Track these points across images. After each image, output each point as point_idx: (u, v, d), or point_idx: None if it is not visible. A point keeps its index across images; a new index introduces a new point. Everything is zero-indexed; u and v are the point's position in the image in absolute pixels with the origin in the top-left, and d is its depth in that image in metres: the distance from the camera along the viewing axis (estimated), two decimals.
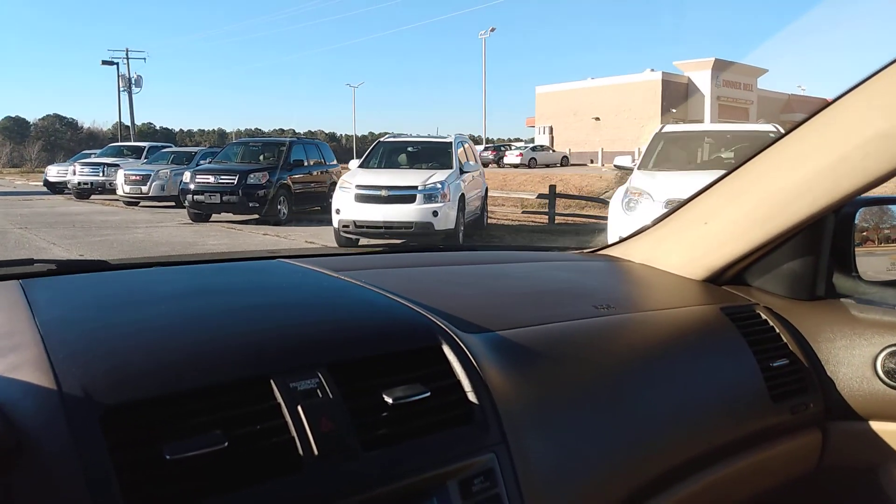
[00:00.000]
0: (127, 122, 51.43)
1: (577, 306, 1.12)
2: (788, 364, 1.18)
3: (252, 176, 13.53)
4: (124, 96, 48.44)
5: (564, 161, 39.57)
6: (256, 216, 13.24)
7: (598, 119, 43.90)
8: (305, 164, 15.29)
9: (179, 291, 0.96)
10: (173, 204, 16.78)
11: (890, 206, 1.41)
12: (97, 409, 0.62)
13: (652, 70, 42.76)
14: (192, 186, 13.27)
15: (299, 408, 0.69)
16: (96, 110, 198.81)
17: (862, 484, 1.23)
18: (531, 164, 36.41)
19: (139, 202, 17.99)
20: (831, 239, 1.27)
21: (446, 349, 0.84)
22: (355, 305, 0.97)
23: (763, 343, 1.18)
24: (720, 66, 41.02)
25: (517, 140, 59.37)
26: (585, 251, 1.62)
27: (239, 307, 0.90)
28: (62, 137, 78.11)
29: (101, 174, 20.23)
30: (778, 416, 1.14)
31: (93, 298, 0.92)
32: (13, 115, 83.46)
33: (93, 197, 20.23)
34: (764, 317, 1.24)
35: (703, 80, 41.87)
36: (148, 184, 17.46)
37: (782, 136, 1.18)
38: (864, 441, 1.21)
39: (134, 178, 17.71)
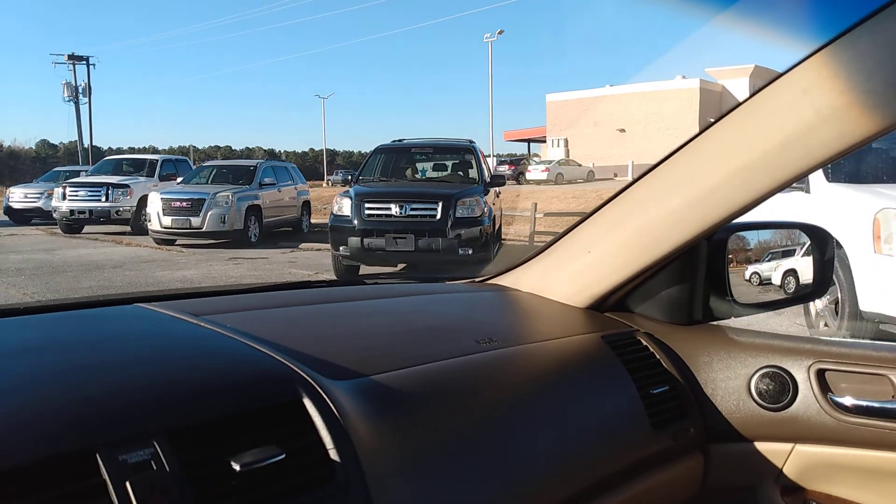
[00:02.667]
0: (75, 136, 45.38)
1: (458, 342, 1.13)
2: (668, 390, 1.23)
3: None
4: (69, 108, 43.02)
5: (590, 176, 38.75)
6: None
7: (622, 130, 42.69)
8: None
9: (4, 350, 0.88)
10: (228, 241, 13.80)
11: (757, 231, 1.48)
12: None
13: (684, 77, 40.24)
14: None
15: (127, 484, 0.64)
16: (14, 126, 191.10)
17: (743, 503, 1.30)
18: (557, 179, 35.91)
19: (176, 240, 13.83)
20: (706, 264, 1.34)
21: (307, 402, 0.81)
22: (206, 357, 0.91)
23: (643, 370, 1.23)
24: (759, 74, 38.51)
25: (497, 155, 57.09)
26: (476, 280, 1.66)
27: (67, 367, 0.82)
28: None
29: (103, 198, 16.33)
30: (659, 444, 1.18)
31: None
32: None
33: (86, 228, 16.86)
34: (644, 343, 1.29)
35: (739, 88, 40.30)
36: (202, 213, 13.40)
37: (657, 164, 1.25)
38: (744, 461, 1.28)
39: (179, 204, 13.56)
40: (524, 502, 0.95)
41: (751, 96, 1.11)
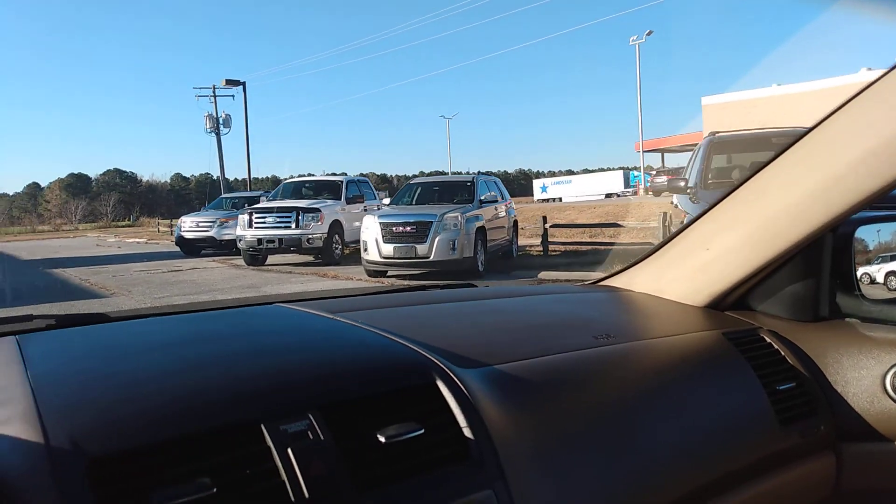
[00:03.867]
0: (216, 170, 46.09)
1: (575, 337, 1.16)
2: (795, 387, 1.22)
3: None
4: (209, 139, 43.77)
5: None
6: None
7: None
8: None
9: (172, 340, 1.01)
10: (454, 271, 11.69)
11: (888, 223, 1.42)
12: (83, 460, 0.65)
13: (869, 69, 36.50)
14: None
15: (289, 451, 0.72)
16: (152, 163, 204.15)
17: None
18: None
19: (388, 271, 11.85)
20: (831, 259, 1.31)
21: (441, 385, 0.88)
22: (348, 346, 1.01)
23: (768, 367, 1.22)
24: None
25: (633, 168, 54.20)
26: (587, 283, 1.69)
27: (230, 353, 0.94)
28: (123, 191, 76.27)
29: (293, 225, 14.66)
30: (787, 441, 1.17)
31: (86, 351, 0.98)
32: (75, 172, 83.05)
33: (269, 259, 15.61)
34: (768, 340, 1.28)
35: None
36: (429, 239, 11.18)
37: (774, 158, 1.23)
38: (881, 462, 1.24)
39: (402, 229, 11.41)
40: (648, 493, 0.96)
41: (876, 80, 1.08)
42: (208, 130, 45.41)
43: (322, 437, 0.74)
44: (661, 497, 0.98)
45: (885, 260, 1.39)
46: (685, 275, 1.42)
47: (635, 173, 63.53)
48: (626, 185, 56.93)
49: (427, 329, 1.13)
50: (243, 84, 37.07)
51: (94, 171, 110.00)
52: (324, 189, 17.13)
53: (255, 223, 14.79)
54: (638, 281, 1.53)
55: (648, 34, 41.16)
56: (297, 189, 17.77)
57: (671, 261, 1.45)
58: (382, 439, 0.78)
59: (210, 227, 19.35)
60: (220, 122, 45.10)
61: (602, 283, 1.63)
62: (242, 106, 36.88)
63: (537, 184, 61.87)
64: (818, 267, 1.32)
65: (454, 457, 0.82)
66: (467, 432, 0.84)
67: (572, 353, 1.09)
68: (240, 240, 15.02)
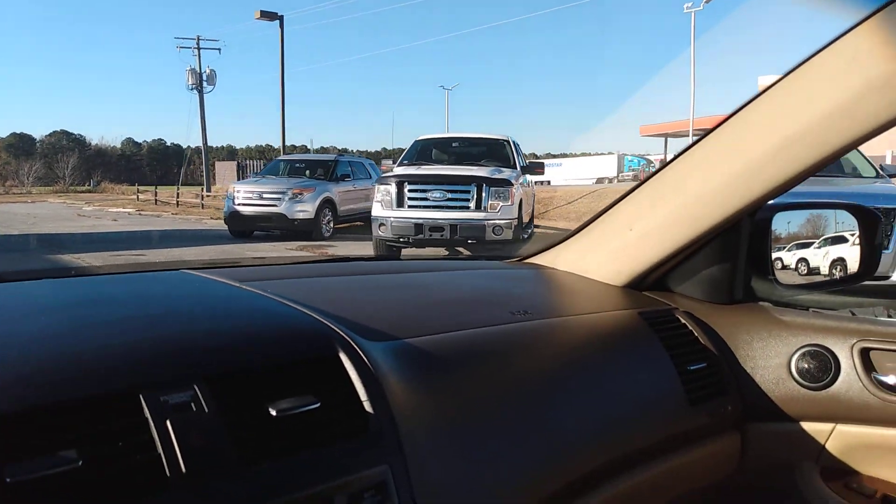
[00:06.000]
0: (196, 133, 41.76)
1: (492, 313, 1.17)
2: (706, 367, 1.26)
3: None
4: (190, 97, 39.85)
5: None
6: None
7: None
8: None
9: (61, 304, 0.97)
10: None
11: (803, 211, 1.48)
12: None
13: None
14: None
15: (168, 423, 0.69)
16: (101, 124, 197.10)
17: (781, 484, 1.32)
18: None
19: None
20: (748, 244, 1.36)
21: (343, 357, 0.86)
22: (248, 314, 0.99)
23: (681, 347, 1.26)
24: None
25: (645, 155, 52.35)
26: (513, 260, 1.70)
27: (119, 318, 0.90)
28: (69, 154, 72.13)
29: (471, 205, 10.25)
30: (696, 420, 1.21)
31: None
32: (18, 132, 78.34)
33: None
34: (682, 320, 1.32)
35: None
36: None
37: (698, 140, 1.28)
38: (783, 441, 1.31)
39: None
40: (557, 470, 0.98)
41: (796, 67, 1.12)
42: (190, 87, 41.66)
43: (206, 409, 0.72)
44: (570, 473, 1.00)
45: (798, 247, 1.47)
46: (608, 254, 1.45)
47: (629, 157, 61.41)
48: (620, 170, 56.81)
49: (338, 300, 1.11)
50: (281, 18, 28.94)
51: (38, 131, 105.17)
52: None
53: (411, 200, 10.50)
54: (562, 259, 1.55)
55: (707, 1, 38.14)
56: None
57: (595, 240, 1.48)
58: (273, 412, 0.75)
59: (279, 200, 14.95)
60: (204, 77, 41.40)
61: (527, 259, 1.65)
62: (279, 46, 29.23)
63: None
64: (735, 251, 1.37)
65: (352, 431, 0.80)
66: (367, 406, 0.83)
67: (486, 329, 1.10)
68: (380, 223, 10.70)
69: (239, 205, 15.18)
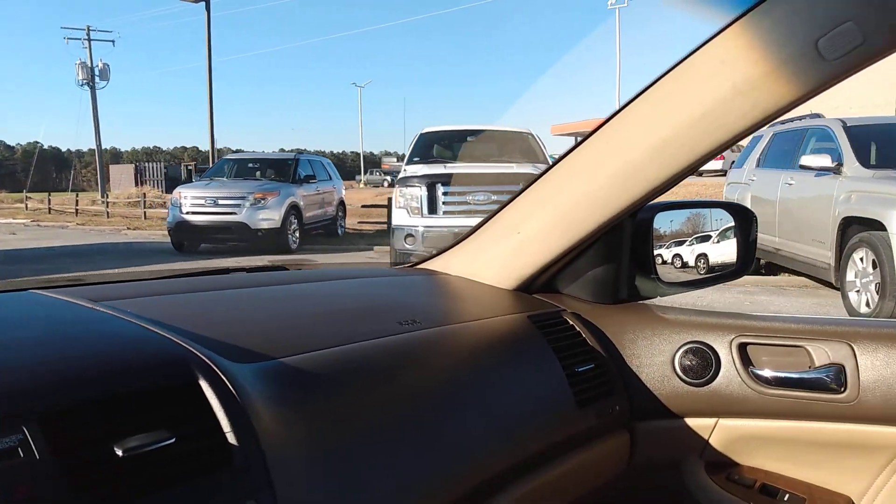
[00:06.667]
0: (88, 131, 38.03)
1: (379, 323, 1.13)
2: (594, 368, 1.27)
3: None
4: (76, 94, 36.71)
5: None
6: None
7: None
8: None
9: None
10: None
11: (683, 211, 1.54)
12: None
13: None
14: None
15: None
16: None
17: (668, 480, 1.35)
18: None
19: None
20: (630, 244, 1.39)
21: (203, 384, 0.79)
22: (95, 339, 0.89)
23: (569, 349, 1.26)
24: None
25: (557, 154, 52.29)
26: (404, 266, 1.69)
27: None
28: None
29: None
30: (584, 422, 1.22)
31: None
32: None
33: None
34: (570, 322, 1.33)
35: None
36: None
37: (581, 142, 1.30)
38: (669, 437, 1.34)
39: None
40: (448, 483, 0.96)
41: (670, 69, 1.15)
42: (80, 83, 37.84)
43: (38, 455, 0.64)
44: (466, 483, 0.98)
45: (675, 244, 1.50)
46: (498, 257, 1.45)
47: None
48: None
49: (204, 318, 1.04)
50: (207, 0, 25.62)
51: None
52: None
53: (448, 205, 8.91)
54: (454, 263, 1.54)
55: None
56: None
57: (486, 243, 1.48)
58: (120, 452, 0.68)
59: (238, 206, 12.85)
60: (97, 72, 37.73)
61: (419, 265, 1.63)
62: (206, 28, 25.60)
63: None
64: (619, 252, 1.39)
65: (211, 467, 0.73)
66: (231, 438, 0.76)
67: (371, 342, 1.05)
68: (407, 234, 8.87)
69: (188, 213, 12.95)
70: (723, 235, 1.52)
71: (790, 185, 8.42)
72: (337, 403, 0.90)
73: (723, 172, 17.15)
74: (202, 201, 12.98)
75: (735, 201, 9.23)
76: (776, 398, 1.26)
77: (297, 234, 13.76)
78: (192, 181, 14.50)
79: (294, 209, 13.57)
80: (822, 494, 1.29)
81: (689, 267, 1.50)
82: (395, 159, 11.95)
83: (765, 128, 9.87)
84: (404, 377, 1.02)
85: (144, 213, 24.31)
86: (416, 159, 10.13)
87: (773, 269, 9.36)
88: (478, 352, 1.16)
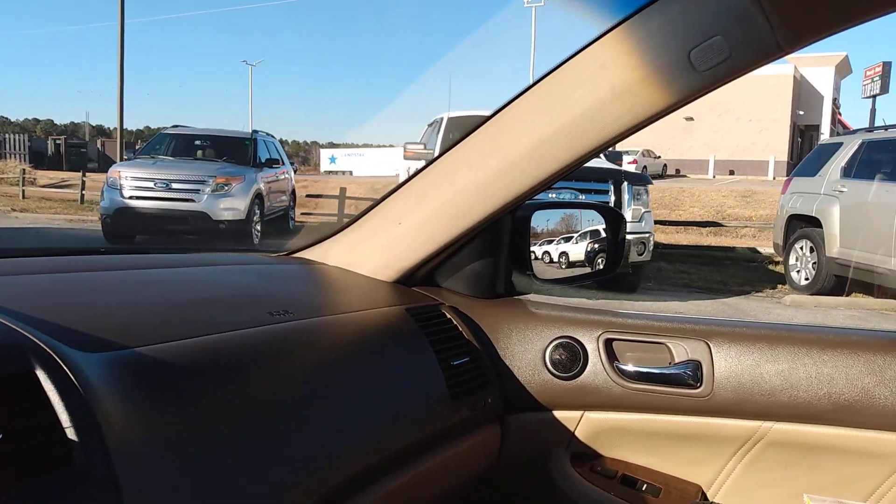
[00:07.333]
0: None
1: (248, 314, 1.07)
2: (469, 361, 1.28)
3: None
4: None
5: (664, 170, 36.44)
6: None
7: (690, 119, 37.68)
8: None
9: None
10: None
11: (558, 210, 1.56)
12: None
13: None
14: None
15: None
16: None
17: (536, 472, 1.37)
18: (644, 172, 31.20)
19: None
20: (509, 240, 1.42)
21: (41, 375, 0.71)
22: None
23: (446, 342, 1.27)
24: (845, 68, 35.54)
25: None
26: (279, 254, 1.62)
27: None
28: None
29: None
30: (458, 415, 1.23)
31: None
32: None
33: None
34: (448, 316, 1.34)
35: (822, 78, 37.91)
36: None
37: (464, 137, 1.31)
38: (538, 430, 1.37)
39: None
40: (313, 481, 0.92)
41: (554, 69, 1.18)
42: None
43: None
44: (328, 482, 0.94)
45: (547, 242, 1.52)
46: (378, 248, 1.44)
47: None
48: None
49: (49, 302, 0.95)
50: None
51: None
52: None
53: None
54: (333, 253, 1.51)
55: None
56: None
57: (366, 233, 1.46)
58: None
59: (196, 192, 10.92)
60: None
61: (296, 254, 1.58)
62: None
63: (325, 154, 58.81)
64: (498, 247, 1.42)
65: (51, 466, 0.66)
66: (71, 434, 0.68)
67: (237, 333, 0.99)
68: None
69: (131, 198, 10.64)
70: (582, 237, 1.56)
71: None
72: (196, 398, 0.83)
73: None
74: (150, 184, 10.70)
75: (804, 212, 8.52)
76: (638, 392, 1.31)
77: (259, 228, 11.76)
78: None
79: (258, 198, 11.62)
80: (676, 483, 1.36)
81: (553, 263, 1.53)
82: (421, 147, 10.15)
83: (840, 136, 9.36)
84: (273, 371, 0.96)
85: (23, 191, 21.08)
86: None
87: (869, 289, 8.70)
88: (353, 345, 1.14)
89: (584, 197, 7.43)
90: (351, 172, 49.19)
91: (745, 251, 13.71)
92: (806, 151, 39.68)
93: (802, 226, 9.65)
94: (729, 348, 1.28)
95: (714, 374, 1.27)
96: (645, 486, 1.33)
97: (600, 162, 8.40)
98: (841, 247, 8.70)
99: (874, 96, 28.54)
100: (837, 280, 8.88)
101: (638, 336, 1.32)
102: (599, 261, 1.53)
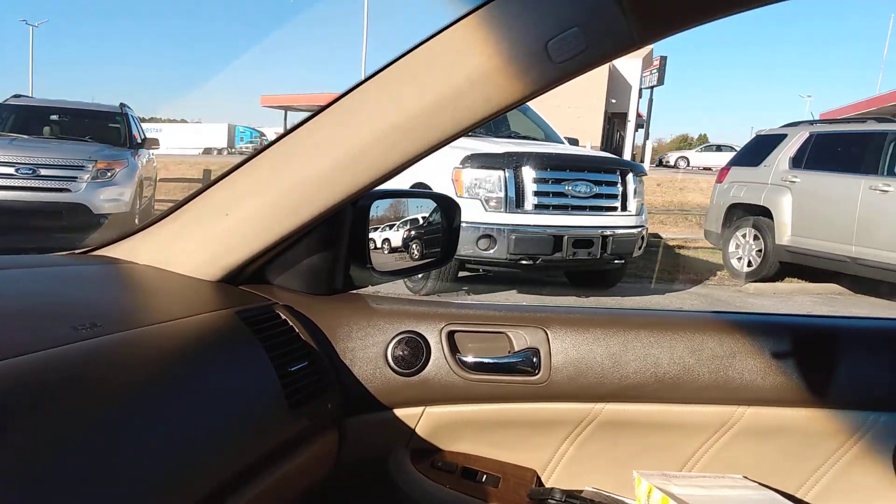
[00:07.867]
0: None
1: (48, 331, 0.91)
2: (308, 365, 1.19)
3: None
4: None
5: None
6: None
7: None
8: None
9: None
10: None
11: (398, 199, 1.55)
12: None
13: None
14: None
15: None
16: None
17: (375, 474, 1.33)
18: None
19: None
20: (349, 232, 1.34)
21: None
22: None
23: (282, 346, 1.17)
24: (650, 60, 37.79)
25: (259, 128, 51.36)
26: (77, 252, 1.43)
27: None
28: None
29: None
30: (297, 424, 1.14)
31: None
32: None
33: None
34: (283, 316, 1.24)
35: (631, 69, 39.27)
36: None
37: (304, 121, 1.21)
38: (378, 430, 1.32)
39: None
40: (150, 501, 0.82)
41: (406, 52, 1.11)
42: None
43: None
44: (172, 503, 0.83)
45: (375, 230, 1.45)
46: (199, 244, 1.29)
47: (241, 128, 58.14)
48: (231, 142, 54.24)
49: None
50: None
51: None
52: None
53: (540, 196, 7.02)
54: (143, 250, 1.34)
55: None
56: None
57: (185, 227, 1.31)
58: None
59: (72, 179, 9.03)
60: None
61: (97, 252, 1.39)
62: None
63: None
64: (336, 240, 1.33)
65: None
66: None
67: (36, 356, 0.84)
68: (483, 235, 6.60)
69: None
70: (403, 224, 1.56)
71: (886, 191, 7.91)
72: None
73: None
74: (10, 170, 8.69)
75: (750, 201, 8.72)
76: (478, 383, 1.29)
77: (137, 222, 10.08)
78: None
79: (140, 187, 9.92)
80: (514, 471, 1.36)
81: (377, 249, 1.48)
82: None
83: (783, 128, 9.53)
84: (81, 396, 0.82)
85: None
86: (480, 131, 7.39)
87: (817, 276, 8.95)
88: (176, 358, 1.00)
89: (598, 189, 6.92)
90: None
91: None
92: (615, 138, 42.50)
93: (744, 215, 9.73)
94: (565, 335, 1.31)
95: (551, 360, 1.30)
96: (484, 476, 1.34)
97: (597, 152, 7.99)
98: (793, 235, 8.91)
99: (652, 87, 31.75)
100: (781, 266, 9.19)
101: (480, 327, 1.32)
102: (427, 251, 1.52)
